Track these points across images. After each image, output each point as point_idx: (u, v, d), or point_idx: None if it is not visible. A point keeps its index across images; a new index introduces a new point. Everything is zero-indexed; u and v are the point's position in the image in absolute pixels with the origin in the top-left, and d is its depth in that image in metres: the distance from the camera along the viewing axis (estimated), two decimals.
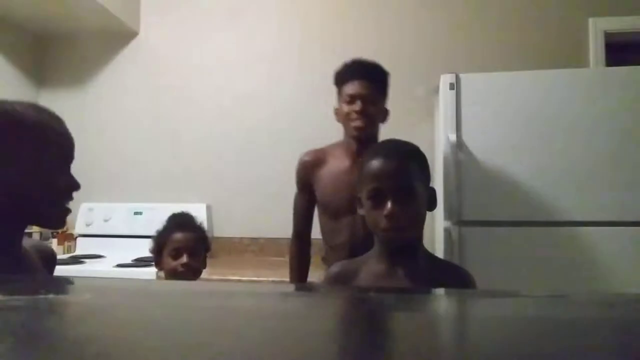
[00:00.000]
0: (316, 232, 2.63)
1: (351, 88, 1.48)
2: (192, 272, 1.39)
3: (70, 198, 0.91)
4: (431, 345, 0.42)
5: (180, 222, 1.44)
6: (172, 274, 1.38)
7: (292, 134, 2.56)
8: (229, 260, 2.46)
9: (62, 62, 2.82)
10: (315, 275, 1.94)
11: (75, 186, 0.91)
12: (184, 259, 1.37)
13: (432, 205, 1.05)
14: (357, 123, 1.47)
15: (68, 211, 0.91)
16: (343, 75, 1.53)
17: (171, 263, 1.37)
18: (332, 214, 1.53)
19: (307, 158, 1.61)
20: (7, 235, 0.86)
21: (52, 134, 0.88)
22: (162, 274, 1.47)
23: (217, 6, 2.69)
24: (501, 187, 1.72)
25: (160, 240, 1.42)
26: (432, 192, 1.05)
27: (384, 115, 1.55)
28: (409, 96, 2.34)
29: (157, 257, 1.43)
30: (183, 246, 1.38)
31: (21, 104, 0.89)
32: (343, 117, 1.52)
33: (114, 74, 2.77)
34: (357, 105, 1.46)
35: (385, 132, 2.41)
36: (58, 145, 0.89)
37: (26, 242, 0.93)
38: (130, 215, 2.54)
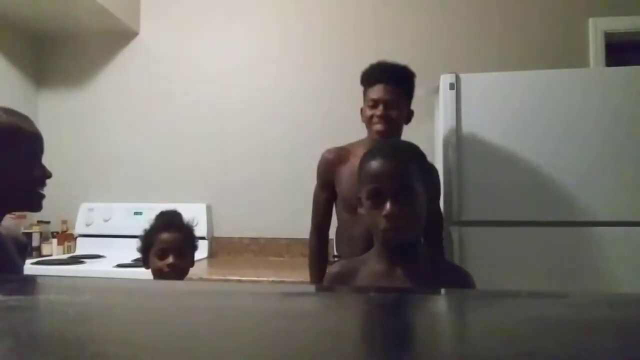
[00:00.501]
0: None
1: (375, 92, 1.51)
2: (178, 273, 1.39)
3: (44, 184, 1.07)
4: (431, 345, 0.42)
5: (167, 221, 1.44)
6: (158, 274, 1.38)
7: (292, 134, 2.56)
8: (229, 260, 2.46)
9: (62, 62, 2.82)
10: None
11: (48, 174, 1.07)
12: (170, 259, 1.36)
13: (432, 203, 1.05)
14: (379, 127, 1.49)
15: (43, 196, 1.08)
16: (368, 78, 1.55)
17: (157, 263, 1.37)
18: (352, 210, 1.52)
19: (329, 155, 1.64)
20: None
21: (25, 133, 1.03)
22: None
23: (217, 6, 2.69)
24: (501, 187, 1.72)
25: (147, 240, 1.41)
26: (435, 192, 1.04)
27: (407, 117, 1.58)
28: None
29: (145, 256, 1.43)
30: (169, 247, 1.37)
31: None
32: (366, 120, 1.55)
33: (114, 74, 2.77)
34: (379, 110, 1.48)
35: None
36: (30, 142, 1.05)
37: (1, 229, 1.08)
38: (130, 215, 2.54)
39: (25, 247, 1.21)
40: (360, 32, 2.55)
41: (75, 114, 2.77)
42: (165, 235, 1.39)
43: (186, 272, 1.44)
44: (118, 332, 0.45)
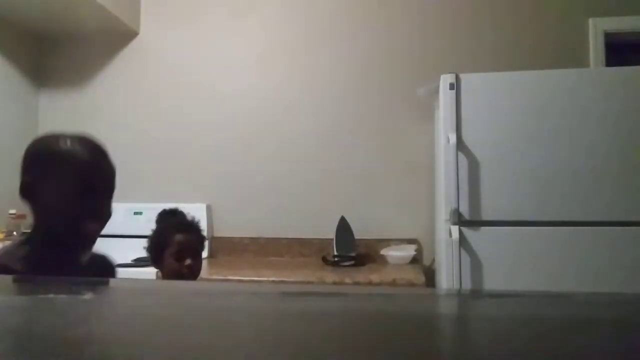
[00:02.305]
0: (315, 233, 2.63)
1: None
2: (195, 273, 1.40)
3: (82, 221, 1.04)
4: (431, 345, 0.42)
5: (183, 223, 1.45)
6: (175, 275, 1.38)
7: (293, 134, 2.56)
8: (229, 260, 2.46)
9: (62, 62, 2.82)
10: (315, 275, 1.94)
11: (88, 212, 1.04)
12: (188, 261, 1.37)
13: None
14: None
15: (83, 230, 1.05)
16: None
17: (174, 264, 1.38)
18: None
19: None
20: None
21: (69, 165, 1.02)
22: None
23: (218, 6, 2.69)
24: (501, 187, 1.72)
25: (161, 240, 1.42)
26: None
27: None
28: (409, 96, 2.35)
29: (157, 256, 1.43)
30: (186, 248, 1.39)
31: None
32: None
33: (114, 74, 2.77)
34: None
35: (386, 132, 2.42)
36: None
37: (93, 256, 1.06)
38: (130, 215, 2.54)
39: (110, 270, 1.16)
40: (360, 32, 2.54)
41: (75, 114, 2.77)
42: (182, 237, 1.40)
43: (199, 271, 1.45)
44: (118, 332, 0.45)
